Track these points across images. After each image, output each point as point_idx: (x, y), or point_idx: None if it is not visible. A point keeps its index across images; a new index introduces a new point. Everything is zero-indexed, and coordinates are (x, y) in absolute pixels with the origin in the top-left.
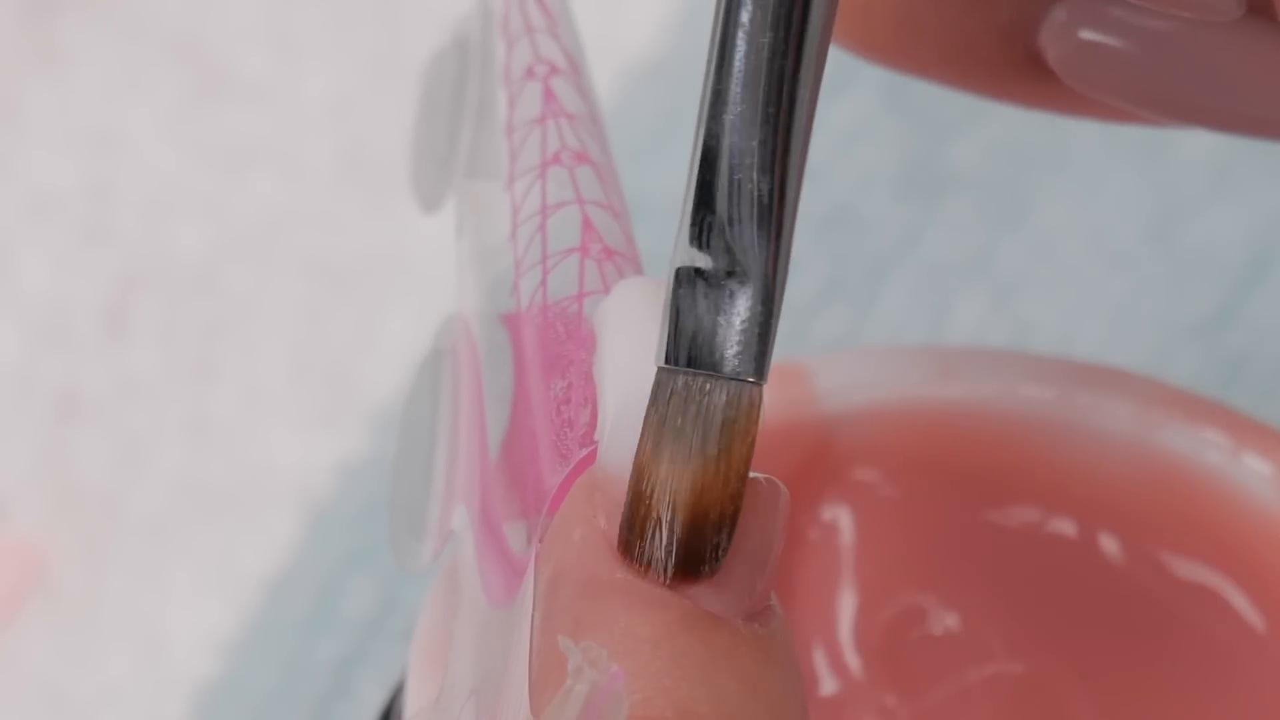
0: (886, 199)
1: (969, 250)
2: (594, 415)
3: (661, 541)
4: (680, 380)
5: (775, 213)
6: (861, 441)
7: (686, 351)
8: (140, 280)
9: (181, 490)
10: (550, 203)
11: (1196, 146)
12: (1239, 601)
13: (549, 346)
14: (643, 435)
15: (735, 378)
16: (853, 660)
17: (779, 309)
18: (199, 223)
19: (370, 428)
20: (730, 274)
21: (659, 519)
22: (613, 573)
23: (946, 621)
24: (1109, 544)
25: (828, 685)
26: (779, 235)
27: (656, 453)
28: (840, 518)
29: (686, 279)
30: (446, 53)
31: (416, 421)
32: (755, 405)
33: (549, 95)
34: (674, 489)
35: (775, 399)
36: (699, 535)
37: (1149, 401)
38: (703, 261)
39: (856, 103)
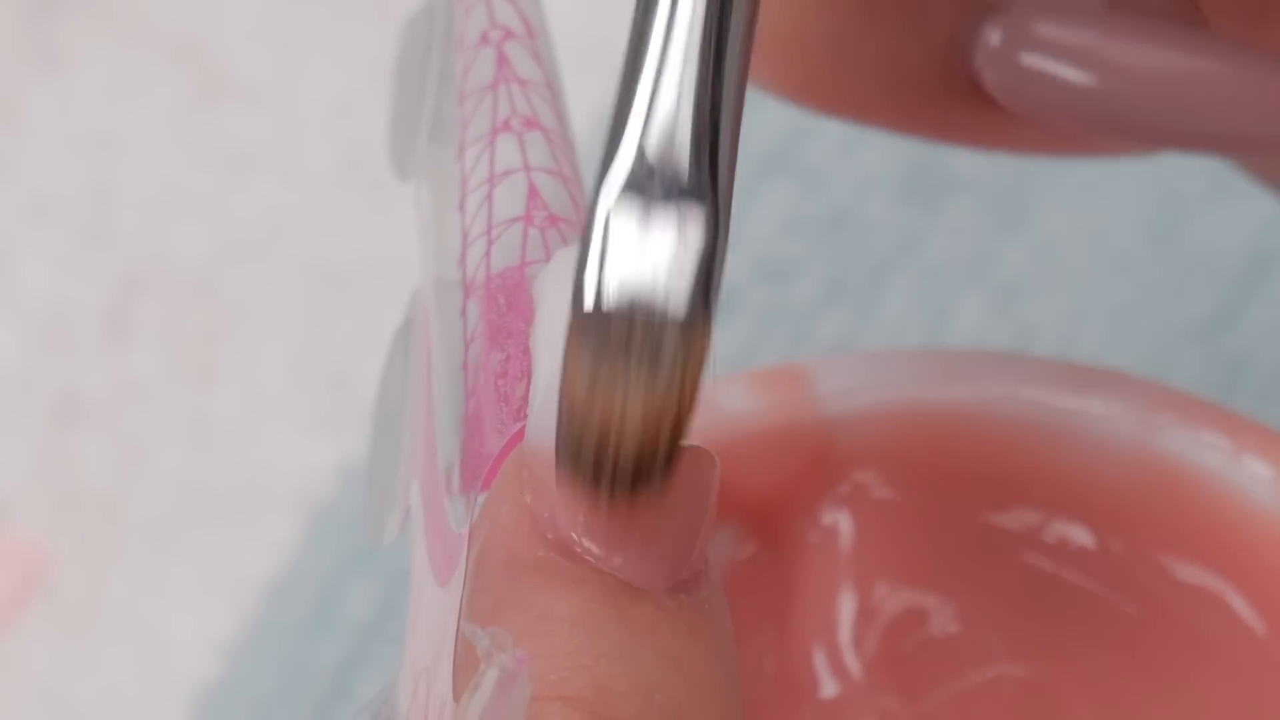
0: (887, 202)
1: (970, 253)
2: (530, 388)
3: (606, 463)
4: (623, 310)
5: (730, 147)
6: (862, 444)
7: (631, 279)
8: (141, 282)
9: (182, 492)
10: (498, 171)
11: None
12: (1239, 604)
13: (491, 319)
14: (577, 361)
15: (690, 308)
16: (853, 663)
17: (727, 241)
18: (199, 225)
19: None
20: (682, 204)
21: (603, 440)
22: (534, 551)
23: (947, 624)
24: (1109, 546)
25: (828, 688)
26: (731, 167)
27: (597, 381)
28: (840, 520)
29: (626, 206)
30: (419, 17)
31: (388, 392)
32: (709, 332)
33: (502, 61)
34: (623, 414)
35: (775, 401)
36: (643, 451)
37: (1149, 404)
38: (648, 190)
39: None
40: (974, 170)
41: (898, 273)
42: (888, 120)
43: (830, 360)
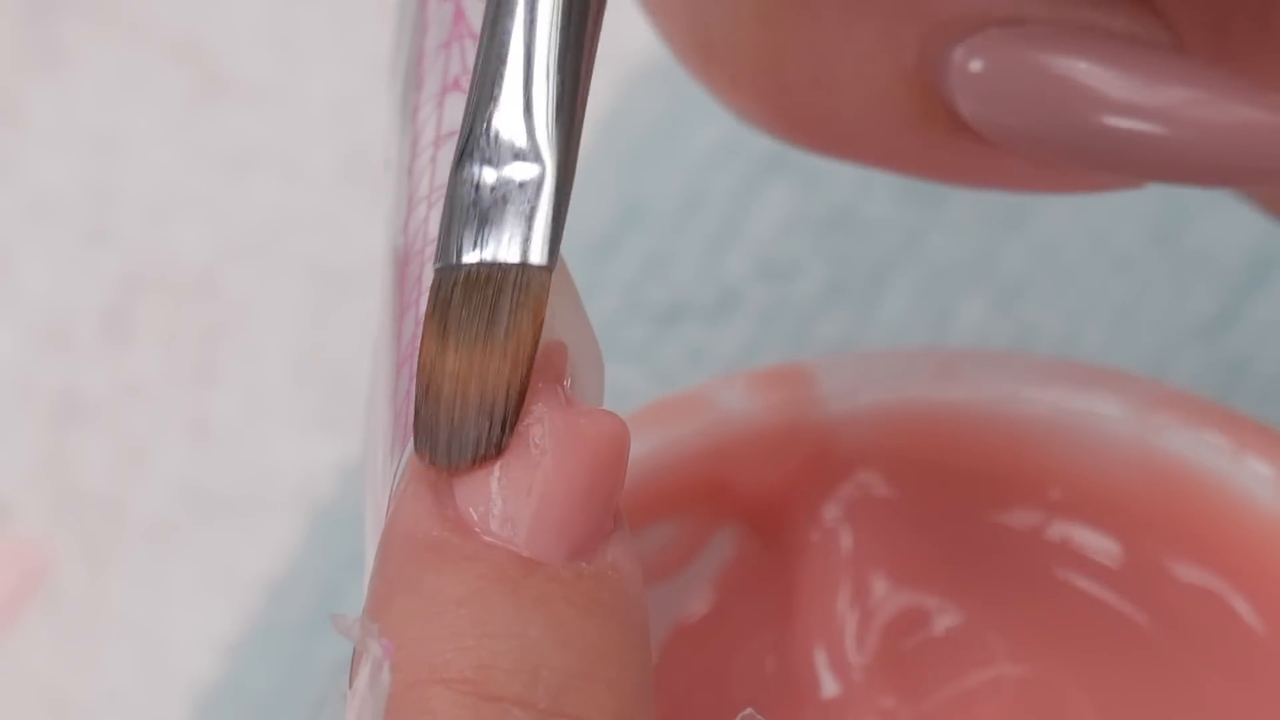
0: (888, 201)
1: (971, 252)
2: None
3: (444, 428)
4: (462, 274)
5: (570, 103)
6: (863, 444)
7: (472, 242)
8: (141, 282)
9: (182, 493)
10: (443, 132)
11: None
12: (1239, 604)
13: (424, 287)
14: (425, 332)
15: (523, 263)
16: (854, 663)
17: (569, 197)
18: (200, 225)
19: None
20: (520, 163)
21: (444, 407)
22: (429, 530)
23: (948, 624)
24: (1110, 546)
25: (829, 687)
26: (572, 125)
27: (441, 345)
28: (842, 520)
29: (467, 172)
30: None
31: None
32: (545, 288)
33: (459, 16)
34: (459, 375)
35: (776, 401)
36: (479, 416)
37: (1150, 404)
38: (488, 154)
39: None
40: None
41: (899, 273)
42: (869, 152)
43: (831, 360)
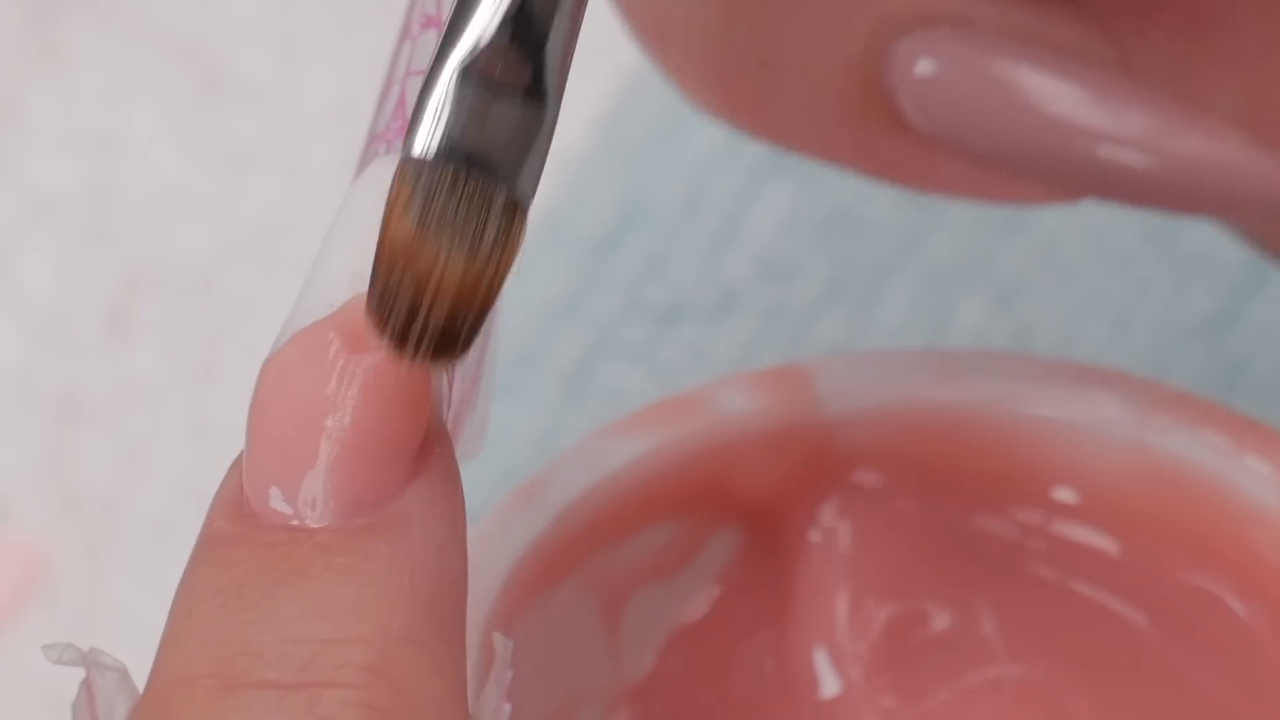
0: (887, 202)
1: (970, 253)
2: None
3: (404, 307)
4: (450, 171)
5: (573, 41)
6: (862, 444)
7: (466, 150)
8: (142, 282)
9: (183, 492)
10: (395, 78)
11: None
12: (1238, 604)
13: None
14: (397, 203)
15: (511, 191)
16: (853, 663)
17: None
18: (200, 225)
19: None
20: (528, 93)
21: (417, 284)
22: (210, 521)
23: (947, 624)
24: (1109, 546)
25: (828, 687)
26: (568, 64)
27: (421, 225)
28: (841, 520)
29: (476, 82)
30: None
31: None
32: (524, 220)
33: None
34: (436, 260)
35: (776, 402)
36: (451, 313)
37: (1150, 404)
38: (501, 73)
39: None
40: None
41: (898, 273)
42: (810, 140)
43: (830, 360)
